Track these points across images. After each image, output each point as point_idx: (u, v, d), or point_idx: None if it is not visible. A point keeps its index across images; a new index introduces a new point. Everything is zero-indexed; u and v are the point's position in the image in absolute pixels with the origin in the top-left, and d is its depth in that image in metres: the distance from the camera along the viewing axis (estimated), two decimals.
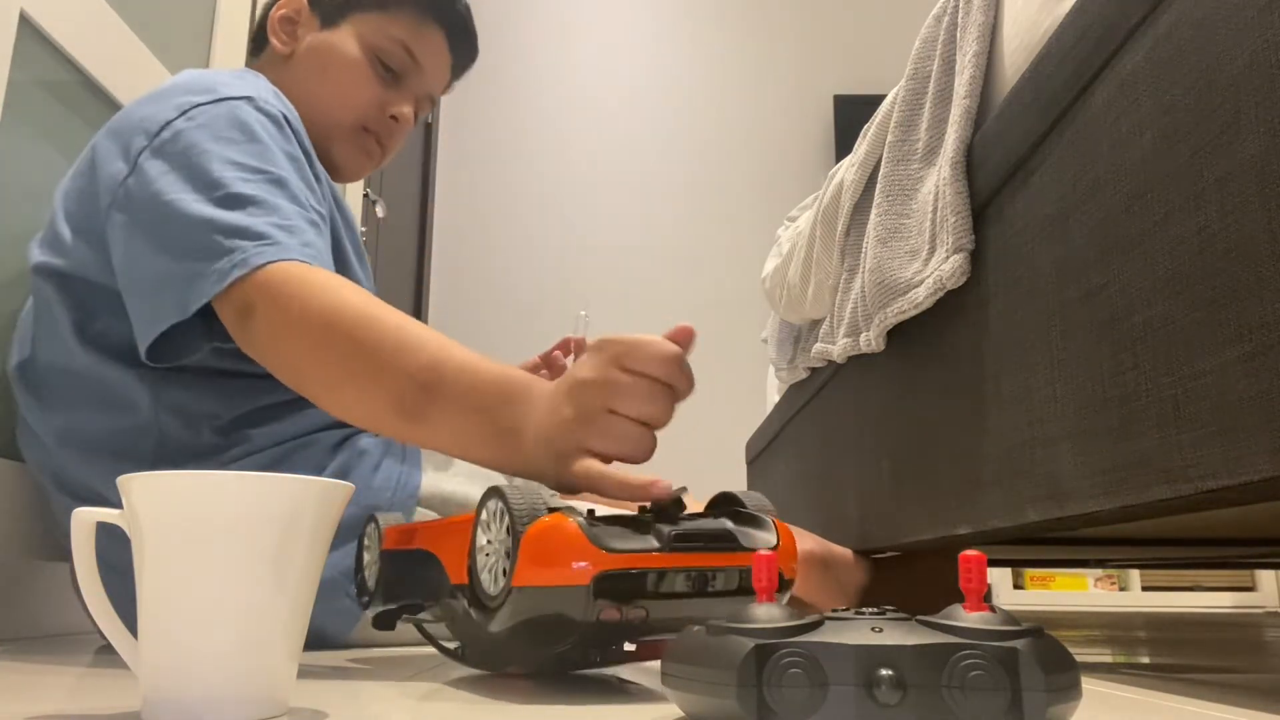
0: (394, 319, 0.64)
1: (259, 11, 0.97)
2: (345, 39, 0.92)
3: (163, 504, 0.40)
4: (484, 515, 0.49)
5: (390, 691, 0.52)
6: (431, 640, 0.64)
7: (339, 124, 0.92)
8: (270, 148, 0.75)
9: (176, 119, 0.74)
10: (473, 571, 0.49)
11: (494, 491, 0.48)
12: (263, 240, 0.67)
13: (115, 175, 0.75)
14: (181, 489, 0.40)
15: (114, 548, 0.56)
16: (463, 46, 0.99)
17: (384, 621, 0.61)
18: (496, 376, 0.61)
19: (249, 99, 0.77)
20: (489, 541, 0.48)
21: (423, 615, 0.60)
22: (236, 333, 0.68)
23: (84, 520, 0.43)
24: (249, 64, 0.96)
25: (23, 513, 0.93)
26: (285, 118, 0.79)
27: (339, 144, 0.93)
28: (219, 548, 0.40)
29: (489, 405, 0.60)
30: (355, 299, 0.65)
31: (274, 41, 0.93)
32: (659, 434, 0.56)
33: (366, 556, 0.63)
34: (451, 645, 0.62)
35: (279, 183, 0.72)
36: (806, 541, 1.06)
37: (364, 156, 0.95)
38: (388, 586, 0.59)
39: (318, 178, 0.81)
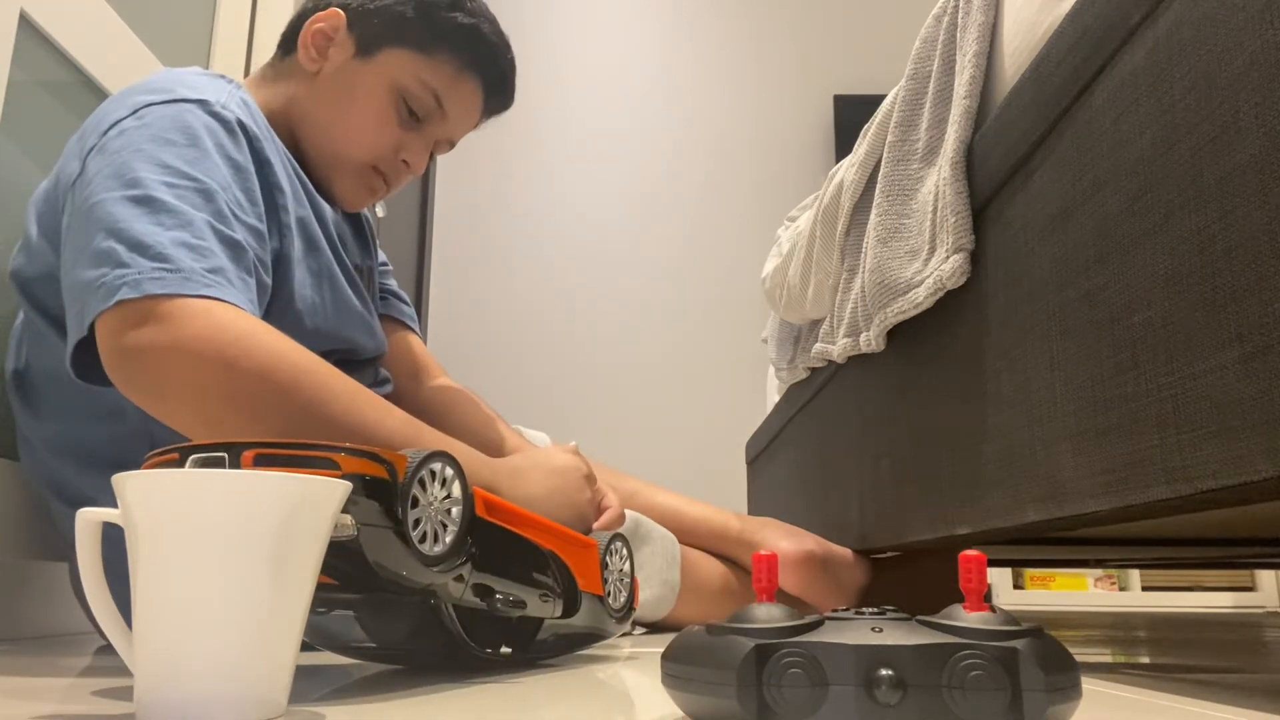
0: (346, 380, 0.66)
1: (294, 11, 0.93)
2: (375, 75, 0.87)
3: (157, 503, 0.40)
4: (619, 547, 0.73)
5: (389, 691, 0.52)
6: (463, 640, 0.57)
7: (349, 159, 0.89)
8: (210, 156, 0.71)
9: (126, 118, 0.72)
10: (607, 587, 0.70)
11: (622, 537, 0.74)
12: (162, 264, 0.62)
13: (69, 177, 0.73)
14: (176, 487, 0.40)
15: (113, 549, 0.56)
16: (497, 99, 0.95)
17: (483, 592, 0.56)
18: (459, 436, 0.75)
19: (203, 102, 0.74)
20: (618, 570, 0.73)
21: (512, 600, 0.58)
22: (113, 353, 0.62)
23: (89, 520, 0.43)
24: (275, 63, 0.92)
25: (23, 513, 0.93)
26: (241, 124, 0.76)
27: (344, 178, 0.90)
28: (215, 547, 0.39)
29: (464, 452, 0.70)
30: (290, 349, 0.63)
31: (302, 54, 0.89)
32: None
33: (425, 498, 0.51)
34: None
35: (206, 194, 0.68)
36: (807, 541, 1.06)
37: (367, 193, 0.92)
38: (482, 556, 0.55)
39: (278, 188, 0.78)
